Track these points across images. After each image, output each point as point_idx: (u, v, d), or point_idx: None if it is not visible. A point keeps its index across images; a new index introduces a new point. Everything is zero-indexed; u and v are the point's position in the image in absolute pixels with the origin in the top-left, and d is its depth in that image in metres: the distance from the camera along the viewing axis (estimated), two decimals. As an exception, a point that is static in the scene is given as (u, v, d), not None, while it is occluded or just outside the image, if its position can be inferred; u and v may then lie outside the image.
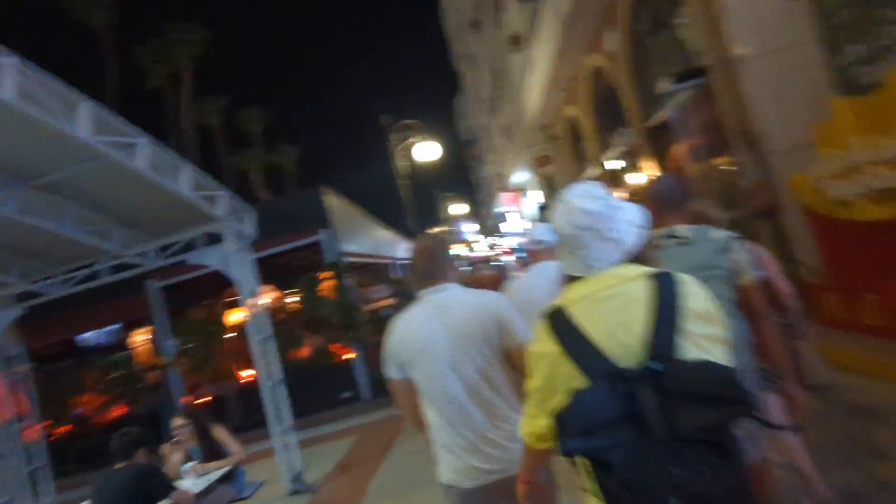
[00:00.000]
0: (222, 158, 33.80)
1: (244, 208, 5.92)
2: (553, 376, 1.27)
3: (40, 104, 3.49)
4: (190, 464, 4.24)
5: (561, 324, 1.26)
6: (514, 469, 1.77)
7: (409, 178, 16.49)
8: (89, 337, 13.10)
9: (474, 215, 61.27)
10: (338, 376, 9.68)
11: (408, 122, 15.70)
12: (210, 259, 5.83)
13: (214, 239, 5.80)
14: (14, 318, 6.21)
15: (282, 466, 5.66)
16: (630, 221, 1.33)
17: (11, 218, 4.52)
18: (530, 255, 3.28)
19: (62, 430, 10.19)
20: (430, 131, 16.00)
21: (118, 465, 3.54)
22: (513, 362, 1.96)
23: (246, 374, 10.24)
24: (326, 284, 9.61)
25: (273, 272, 12.14)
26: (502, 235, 32.69)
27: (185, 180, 4.89)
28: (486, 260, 31.88)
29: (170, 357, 9.74)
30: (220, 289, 11.48)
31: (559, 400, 1.18)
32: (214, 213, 5.37)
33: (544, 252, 3.07)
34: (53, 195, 4.80)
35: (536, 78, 12.34)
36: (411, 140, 15.96)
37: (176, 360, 9.69)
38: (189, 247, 6.02)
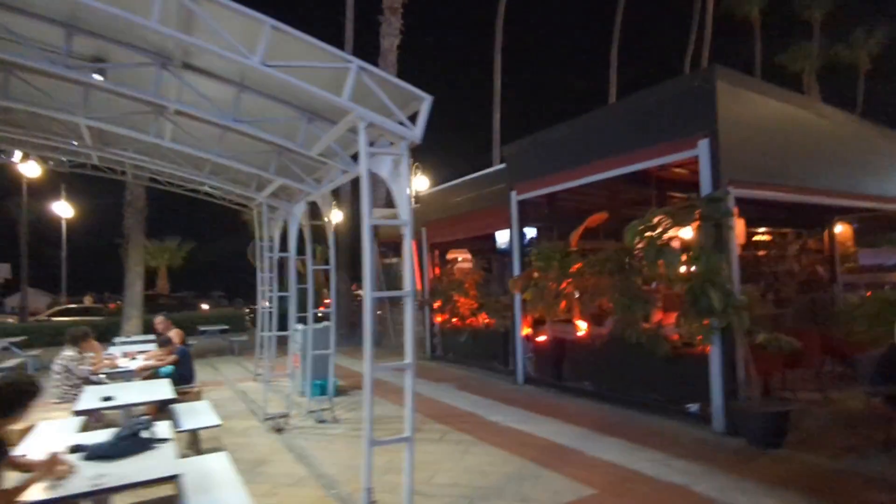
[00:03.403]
0: (765, 58, 27.90)
1: (401, 95, 3.80)
2: None
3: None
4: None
5: None
6: None
7: None
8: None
9: None
10: (689, 375, 6.21)
11: None
12: (378, 167, 4.14)
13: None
14: (304, 210, 6.46)
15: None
16: None
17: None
18: None
19: (455, 321, 11.10)
20: None
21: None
22: None
23: (584, 328, 8.11)
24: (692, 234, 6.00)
25: (630, 196, 8.94)
26: None
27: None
28: None
29: (514, 280, 8.68)
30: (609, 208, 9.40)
31: None
32: (333, 100, 3.57)
33: None
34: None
35: None
36: None
37: (517, 286, 8.54)
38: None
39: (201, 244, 35.23)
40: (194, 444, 5.40)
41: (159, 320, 7.53)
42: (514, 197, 8.78)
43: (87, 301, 23.58)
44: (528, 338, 8.79)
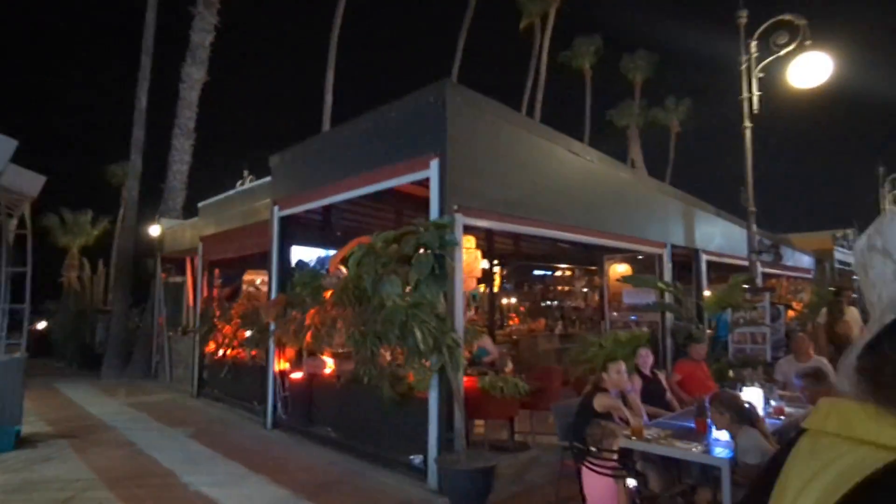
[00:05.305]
0: (595, 111, 30.44)
1: None
2: None
3: None
4: None
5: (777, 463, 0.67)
6: None
7: (753, 119, 9.83)
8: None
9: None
10: (414, 422, 5.51)
11: (787, 18, 8.96)
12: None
13: None
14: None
15: None
16: None
17: None
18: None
19: (222, 352, 9.64)
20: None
21: None
22: None
23: (331, 363, 7.22)
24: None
25: (415, 217, 8.47)
26: None
27: None
28: None
29: (267, 308, 7.59)
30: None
31: None
32: None
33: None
34: None
35: None
36: (787, 51, 9.40)
37: (270, 314, 7.44)
38: None
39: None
40: None
41: None
42: (277, 212, 7.75)
43: None
44: (283, 374, 7.69)
